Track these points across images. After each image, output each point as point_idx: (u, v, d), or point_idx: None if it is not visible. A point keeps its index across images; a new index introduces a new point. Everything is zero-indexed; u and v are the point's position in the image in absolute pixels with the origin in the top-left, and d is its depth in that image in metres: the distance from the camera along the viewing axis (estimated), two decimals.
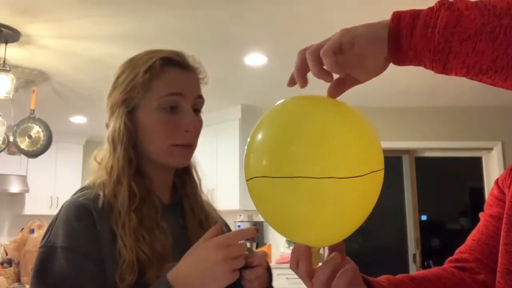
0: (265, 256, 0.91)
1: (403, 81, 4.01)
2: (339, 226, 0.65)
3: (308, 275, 0.66)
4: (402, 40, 0.59)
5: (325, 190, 0.59)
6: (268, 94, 4.37)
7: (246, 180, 0.67)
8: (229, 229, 1.10)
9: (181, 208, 1.00)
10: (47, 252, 0.83)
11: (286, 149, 0.61)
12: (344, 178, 0.59)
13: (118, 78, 0.96)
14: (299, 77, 0.64)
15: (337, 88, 0.67)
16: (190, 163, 1.04)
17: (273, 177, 0.61)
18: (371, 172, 0.62)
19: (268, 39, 3.29)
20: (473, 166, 5.02)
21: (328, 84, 0.67)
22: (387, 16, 0.62)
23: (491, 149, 4.82)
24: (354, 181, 0.60)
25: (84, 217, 0.85)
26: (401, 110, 4.82)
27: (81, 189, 0.94)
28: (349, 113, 0.66)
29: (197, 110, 0.98)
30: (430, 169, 5.12)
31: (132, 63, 0.95)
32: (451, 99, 4.60)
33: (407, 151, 4.87)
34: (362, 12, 2.84)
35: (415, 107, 4.81)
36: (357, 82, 0.67)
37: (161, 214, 0.92)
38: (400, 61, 0.61)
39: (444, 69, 0.58)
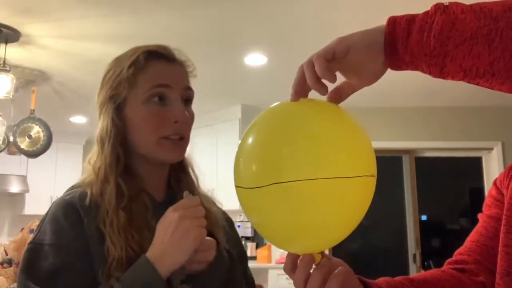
0: (214, 243, 0.90)
1: (403, 81, 4.01)
2: (328, 233, 0.65)
3: (304, 282, 0.65)
4: (398, 45, 0.59)
5: (312, 193, 0.59)
6: (268, 94, 4.38)
7: (235, 186, 0.66)
8: (231, 224, 1.09)
9: None
10: (35, 249, 0.83)
11: (272, 158, 0.60)
12: (332, 178, 0.58)
13: (105, 76, 0.95)
14: (296, 90, 0.64)
15: (337, 96, 0.67)
16: (185, 161, 1.02)
17: (256, 187, 0.60)
18: (362, 176, 0.61)
19: (268, 39, 3.29)
20: (473, 166, 5.02)
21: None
22: (386, 17, 0.62)
23: (491, 149, 4.82)
24: (343, 182, 0.59)
25: (71, 214, 0.85)
26: (402, 110, 4.82)
27: (71, 188, 0.94)
28: (341, 118, 0.65)
29: (187, 102, 0.96)
30: (430, 169, 5.12)
31: (118, 60, 0.95)
32: (451, 99, 4.60)
33: (407, 151, 4.87)
34: (362, 12, 2.84)
35: (415, 107, 4.81)
36: (355, 89, 0.67)
37: (152, 212, 0.90)
38: (396, 66, 0.61)
39: (441, 73, 0.58)
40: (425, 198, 4.92)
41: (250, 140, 0.65)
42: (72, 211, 0.86)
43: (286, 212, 0.61)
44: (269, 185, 0.59)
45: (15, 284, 3.20)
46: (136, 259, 0.83)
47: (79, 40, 3.27)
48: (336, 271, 0.65)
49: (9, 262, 3.29)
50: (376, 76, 0.65)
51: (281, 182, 0.59)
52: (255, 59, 3.62)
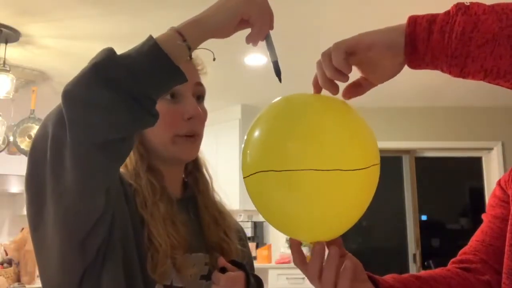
0: (241, 278, 0.88)
1: (403, 81, 4.00)
2: (336, 221, 0.65)
3: (318, 274, 0.65)
4: (418, 45, 0.60)
5: (322, 182, 0.60)
6: (268, 94, 4.36)
7: (244, 178, 0.67)
8: (242, 230, 1.09)
9: (193, 204, 0.99)
10: None
11: (282, 143, 0.62)
12: (345, 170, 0.59)
13: None
14: (328, 86, 0.65)
15: (352, 91, 0.68)
16: (200, 160, 1.03)
17: (269, 171, 0.61)
18: (371, 165, 0.63)
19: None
20: (473, 166, 5.02)
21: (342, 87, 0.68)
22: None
23: (491, 149, 4.82)
24: (354, 174, 0.60)
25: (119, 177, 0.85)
26: (401, 110, 4.82)
27: None
28: (347, 110, 0.67)
29: (199, 98, 0.96)
30: (430, 169, 5.12)
31: None
32: (451, 99, 4.60)
33: (407, 151, 4.87)
34: (362, 12, 2.84)
35: (415, 107, 4.81)
36: (371, 85, 0.68)
37: (176, 208, 0.91)
38: (416, 65, 0.62)
39: (461, 73, 0.59)
40: (425, 198, 4.92)
41: (259, 130, 0.66)
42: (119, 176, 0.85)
43: (291, 199, 0.62)
44: (280, 171, 0.60)
45: (15, 284, 3.20)
46: (179, 247, 0.83)
47: (79, 40, 3.27)
48: (343, 267, 0.65)
49: (9, 262, 3.29)
50: (391, 74, 0.66)
51: (284, 170, 0.60)
52: (255, 59, 3.62)
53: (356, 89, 0.68)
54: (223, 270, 0.88)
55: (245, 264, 0.92)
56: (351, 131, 0.63)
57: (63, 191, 0.68)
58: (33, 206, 0.73)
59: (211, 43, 0.79)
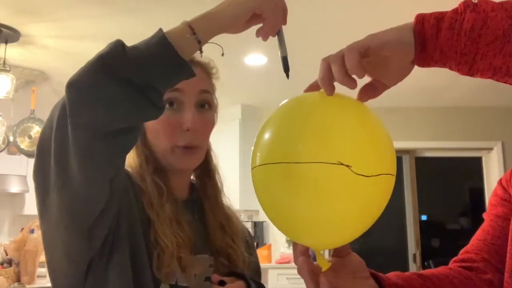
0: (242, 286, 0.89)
1: (403, 81, 3.99)
2: (342, 228, 0.64)
3: (310, 275, 0.65)
4: (427, 43, 0.59)
5: (328, 177, 0.58)
6: (268, 94, 4.37)
7: (251, 168, 0.66)
8: (250, 237, 1.08)
9: (198, 206, 0.98)
10: None
11: (291, 137, 0.60)
12: (356, 174, 0.58)
13: None
14: (326, 85, 0.62)
15: (367, 94, 0.66)
16: (212, 166, 1.02)
17: (277, 163, 0.60)
18: (382, 174, 0.61)
19: (268, 39, 3.28)
20: (473, 166, 5.03)
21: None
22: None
23: (491, 149, 4.82)
24: (362, 179, 0.59)
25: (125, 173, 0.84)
26: (402, 110, 4.82)
27: None
28: (367, 113, 0.65)
29: (203, 106, 0.94)
30: (430, 169, 5.12)
31: None
32: (451, 99, 4.60)
33: (407, 151, 4.87)
34: (362, 12, 2.84)
35: (415, 107, 4.81)
36: (385, 87, 0.67)
37: (181, 208, 0.91)
38: (425, 63, 0.61)
39: (470, 71, 0.58)
40: (425, 198, 4.92)
41: (270, 125, 0.65)
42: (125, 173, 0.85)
43: (293, 197, 0.61)
44: (288, 163, 0.59)
45: (15, 284, 3.20)
46: (184, 246, 0.83)
47: (79, 40, 3.27)
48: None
49: (9, 262, 3.29)
50: (403, 75, 0.65)
51: (289, 162, 0.59)
52: (255, 59, 3.62)
53: (371, 90, 0.67)
54: (222, 283, 0.87)
55: (244, 274, 0.91)
56: (366, 133, 0.62)
57: (67, 179, 0.68)
58: (39, 194, 0.74)
59: (210, 44, 0.78)
